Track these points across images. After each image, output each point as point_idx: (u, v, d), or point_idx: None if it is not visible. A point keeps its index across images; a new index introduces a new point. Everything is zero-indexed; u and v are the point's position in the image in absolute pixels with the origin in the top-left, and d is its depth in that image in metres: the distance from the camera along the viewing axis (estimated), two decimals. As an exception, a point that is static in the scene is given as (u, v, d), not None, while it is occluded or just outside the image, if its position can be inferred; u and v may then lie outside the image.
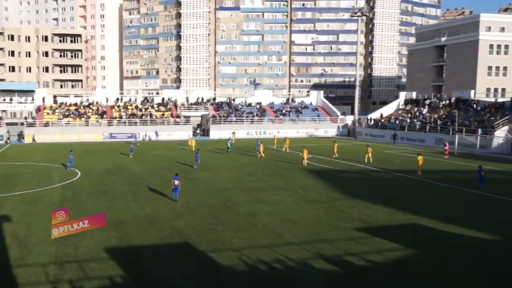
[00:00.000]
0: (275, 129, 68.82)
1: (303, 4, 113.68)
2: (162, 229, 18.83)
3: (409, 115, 65.79)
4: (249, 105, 76.11)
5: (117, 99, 73.15)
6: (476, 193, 26.89)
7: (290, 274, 14.29)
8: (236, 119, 69.84)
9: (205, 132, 68.57)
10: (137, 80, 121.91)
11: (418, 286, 13.58)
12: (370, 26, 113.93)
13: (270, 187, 28.42)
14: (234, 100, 77.92)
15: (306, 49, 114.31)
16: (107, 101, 71.24)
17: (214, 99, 77.94)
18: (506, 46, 75.88)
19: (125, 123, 65.52)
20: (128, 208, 22.52)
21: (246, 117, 70.72)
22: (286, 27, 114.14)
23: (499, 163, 40.41)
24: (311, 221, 20.31)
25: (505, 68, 76.27)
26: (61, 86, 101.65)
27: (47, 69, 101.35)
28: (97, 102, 70.91)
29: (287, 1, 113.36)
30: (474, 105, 60.73)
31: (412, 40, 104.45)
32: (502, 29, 77.01)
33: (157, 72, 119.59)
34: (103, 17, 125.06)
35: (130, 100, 74.69)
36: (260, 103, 76.52)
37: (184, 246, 16.88)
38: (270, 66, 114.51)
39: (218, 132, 65.29)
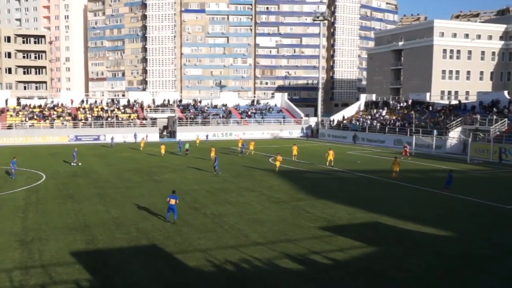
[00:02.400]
0: (241, 131, 68.94)
1: (267, 8, 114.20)
2: (129, 232, 18.55)
3: (370, 117, 66.90)
4: (215, 107, 75.88)
5: (83, 101, 71.63)
6: (432, 192, 27.61)
7: (257, 274, 14.31)
8: (202, 120, 69.49)
9: (172, 134, 67.92)
10: (102, 81, 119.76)
11: (379, 282, 13.78)
12: (332, 30, 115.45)
13: (236, 188, 28.41)
14: (200, 102, 77.48)
15: (271, 51, 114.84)
16: (72, 103, 69.68)
17: (181, 101, 77.29)
18: (458, 51, 78.19)
19: (91, 125, 64.20)
20: (94, 211, 22.08)
21: (212, 118, 70.48)
22: (251, 30, 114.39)
23: (453, 163, 41.57)
24: (277, 221, 20.40)
25: (457, 72, 78.59)
26: (25, 88, 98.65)
27: (10, 71, 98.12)
28: (62, 104, 69.24)
29: (251, 4, 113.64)
30: (430, 107, 62.26)
31: (371, 44, 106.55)
32: (454, 35, 79.36)
33: (123, 74, 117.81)
34: (68, 18, 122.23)
35: (96, 102, 73.26)
36: (226, 105, 76.40)
37: (151, 248, 16.67)
38: (235, 68, 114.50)
39: (185, 134, 64.77)
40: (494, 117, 49.67)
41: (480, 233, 19.09)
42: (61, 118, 64.88)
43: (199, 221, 20.28)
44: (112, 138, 56.19)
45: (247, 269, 14.66)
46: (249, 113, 74.55)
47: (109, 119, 65.93)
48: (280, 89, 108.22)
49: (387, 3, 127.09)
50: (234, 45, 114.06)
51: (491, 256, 16.23)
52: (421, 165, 39.77)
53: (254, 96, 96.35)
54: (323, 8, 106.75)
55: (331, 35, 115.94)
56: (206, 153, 46.30)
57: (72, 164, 38.19)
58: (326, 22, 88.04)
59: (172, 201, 19.80)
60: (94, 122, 64.72)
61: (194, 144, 53.44)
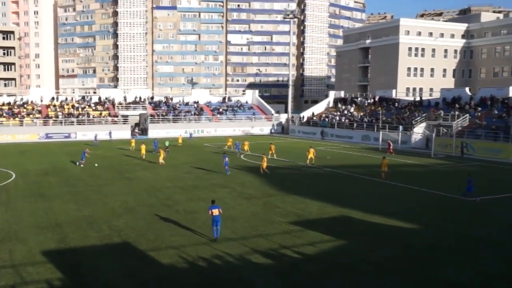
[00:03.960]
0: (213, 128, 68.62)
1: (238, 5, 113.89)
2: (101, 230, 18.29)
3: (338, 113, 67.54)
4: (187, 104, 75.27)
5: (53, 98, 70.05)
6: (399, 186, 28.07)
7: (229, 270, 14.34)
8: (174, 118, 68.91)
9: (144, 131, 67.10)
10: (73, 79, 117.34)
11: (349, 275, 13.97)
12: (302, 28, 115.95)
13: (209, 184, 28.31)
14: (172, 99, 76.76)
15: (242, 49, 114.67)
16: (41, 100, 68.08)
17: (152, 98, 76.42)
18: (423, 49, 79.66)
19: (62, 122, 62.85)
20: (66, 209, 21.66)
21: (184, 116, 69.94)
22: (222, 27, 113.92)
23: (417, 157, 42.45)
24: (249, 217, 20.45)
25: (422, 69, 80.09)
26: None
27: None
28: (31, 102, 67.56)
29: (222, 2, 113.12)
30: (396, 104, 63.28)
31: (340, 42, 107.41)
32: (419, 33, 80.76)
33: (94, 71, 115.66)
34: (37, 13, 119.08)
35: (66, 99, 71.75)
36: (198, 102, 75.92)
37: (124, 246, 16.49)
38: (207, 65, 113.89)
39: (157, 131, 64.10)
40: (456, 113, 50.82)
41: (445, 225, 19.56)
42: (31, 116, 63.34)
43: (172, 218, 20.14)
44: (95, 136, 54.82)
45: (219, 265, 14.67)
46: (221, 110, 74.29)
47: (80, 116, 64.68)
48: (251, 86, 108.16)
49: (355, 2, 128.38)
50: (205, 42, 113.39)
51: (456, 247, 16.65)
52: (388, 160, 40.33)
53: (226, 93, 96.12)
54: (293, 6, 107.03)
55: (301, 33, 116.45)
56: (187, 152, 46.08)
57: (79, 164, 36.30)
58: (296, 20, 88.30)
59: (215, 212, 17.06)
60: (64, 120, 63.37)
61: (176, 143, 51.53)
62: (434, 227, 19.16)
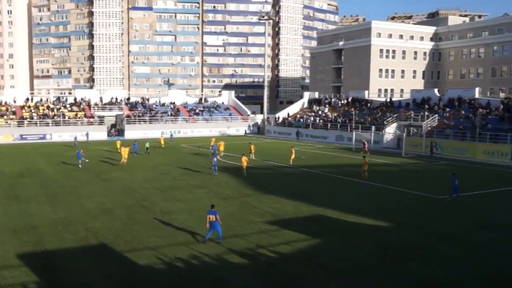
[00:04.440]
0: (189, 129, 68.25)
1: (214, 7, 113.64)
2: (77, 232, 17.98)
3: (313, 114, 67.99)
4: (163, 105, 74.72)
5: (27, 99, 68.58)
6: (372, 185, 28.41)
7: (207, 270, 14.27)
8: (151, 118, 68.28)
9: (120, 132, 66.30)
10: (48, 79, 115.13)
11: (324, 273, 14.04)
12: (277, 29, 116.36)
13: (185, 185, 28.15)
14: (148, 100, 76.09)
15: (218, 50, 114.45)
16: (15, 101, 66.56)
17: (129, 99, 75.62)
18: (394, 51, 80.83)
19: (36, 124, 61.57)
20: (41, 211, 21.23)
21: (161, 116, 69.37)
22: (198, 28, 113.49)
23: (389, 157, 43.06)
24: (225, 217, 20.30)
25: (393, 71, 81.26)
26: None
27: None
28: (5, 102, 66.00)
29: (198, 3, 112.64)
30: (368, 104, 64.09)
31: (314, 43, 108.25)
32: (390, 36, 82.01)
33: (70, 71, 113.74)
34: (11, 13, 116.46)
35: (41, 100, 70.34)
36: (174, 102, 75.40)
37: (101, 248, 16.24)
38: (183, 66, 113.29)
39: (133, 132, 63.37)
40: (426, 113, 51.76)
41: (416, 222, 19.88)
42: (5, 117, 61.87)
43: (149, 219, 19.96)
44: (75, 137, 53.71)
45: (197, 266, 14.59)
46: (197, 111, 73.96)
47: (55, 117, 63.49)
48: (227, 87, 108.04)
49: (328, 4, 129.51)
50: (181, 43, 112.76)
51: (428, 245, 16.91)
52: (361, 160, 40.68)
53: (202, 94, 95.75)
54: (268, 8, 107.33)
55: (276, 34, 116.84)
56: (164, 152, 45.66)
57: (79, 166, 35.49)
58: (271, 21, 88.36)
59: (212, 217, 16.63)
60: (39, 121, 62.11)
61: (159, 144, 50.56)
62: (407, 225, 19.44)
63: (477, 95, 54.17)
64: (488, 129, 44.05)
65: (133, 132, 63.38)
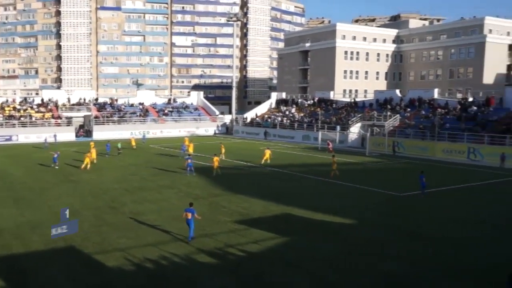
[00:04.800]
0: (158, 129, 67.48)
1: (183, 7, 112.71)
2: (45, 235, 17.47)
3: (280, 114, 68.35)
4: (132, 105, 73.59)
5: (-8, 100, 66.43)
6: (338, 183, 28.81)
7: (176, 270, 14.22)
8: (119, 119, 67.20)
9: (88, 133, 64.99)
10: (14, 80, 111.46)
11: (292, 271, 14.17)
12: (245, 31, 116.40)
13: (155, 186, 27.89)
14: (117, 100, 74.78)
15: (186, 50, 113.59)
16: (-20, 102, 64.42)
17: (97, 99, 74.18)
18: (357, 53, 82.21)
19: (2, 125, 59.62)
20: (8, 215, 20.62)
21: (130, 117, 68.36)
22: (167, 29, 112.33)
23: (354, 156, 43.76)
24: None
25: (357, 72, 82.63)
26: None
27: None
28: (-31, 103, 63.76)
29: (167, 4, 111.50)
30: (334, 105, 64.88)
31: (281, 45, 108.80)
32: (354, 38, 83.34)
33: (36, 72, 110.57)
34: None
35: (7, 101, 68.20)
36: (143, 103, 74.40)
37: (69, 250, 15.90)
38: (152, 66, 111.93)
39: (102, 133, 62.19)
40: (388, 113, 52.76)
41: (380, 219, 20.32)
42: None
43: (118, 220, 19.71)
44: (45, 139, 51.98)
45: (166, 266, 14.51)
46: (166, 111, 73.22)
47: (22, 118, 61.70)
48: (196, 87, 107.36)
49: (295, 7, 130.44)
50: (150, 43, 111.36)
51: (391, 240, 17.32)
52: (327, 159, 41.19)
53: (171, 95, 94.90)
54: (236, 9, 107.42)
55: (244, 36, 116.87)
56: (134, 153, 44.95)
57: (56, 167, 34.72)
58: (239, 23, 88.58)
59: (188, 215, 16.88)
60: (5, 122, 60.22)
61: (129, 145, 48.78)
62: (372, 222, 19.84)
63: (436, 96, 55.59)
64: (446, 129, 45.28)
65: (101, 133, 62.19)
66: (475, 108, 49.04)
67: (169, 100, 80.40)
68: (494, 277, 13.57)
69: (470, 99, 52.84)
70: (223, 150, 40.73)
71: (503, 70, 74.90)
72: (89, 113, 67.28)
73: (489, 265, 14.68)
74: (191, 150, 42.11)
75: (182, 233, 17.78)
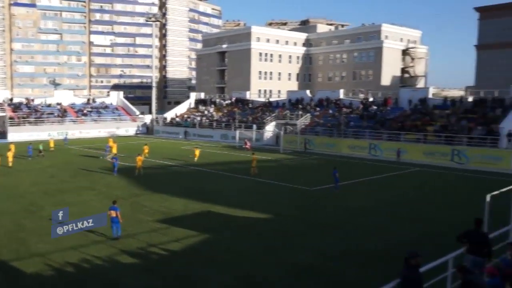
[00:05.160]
0: (77, 130, 64.22)
1: (101, 6, 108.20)
2: (-43, 244, 16.25)
3: (199, 114, 68.01)
4: (50, 105, 69.34)
5: None
6: (256, 180, 29.39)
7: (98, 273, 13.74)
8: (36, 120, 63.08)
9: (3, 135, 60.22)
10: None
11: (212, 266, 14.22)
12: (164, 31, 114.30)
13: (74, 187, 26.63)
14: (33, 100, 70.07)
15: (105, 50, 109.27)
16: None
17: (11, 99, 69.01)
18: (271, 55, 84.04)
19: None
20: None
21: (47, 118, 64.40)
22: (85, 27, 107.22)
23: (269, 153, 44.75)
24: (116, 218, 19.81)
25: (271, 73, 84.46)
26: None
27: None
28: None
29: (85, 2, 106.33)
30: (250, 104, 65.78)
31: (199, 46, 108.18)
32: (268, 40, 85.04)
33: None
34: None
35: None
36: (61, 103, 70.34)
37: (-16, 259, 14.86)
38: (70, 66, 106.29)
39: (18, 134, 57.93)
40: (300, 112, 54.59)
41: (294, 213, 20.99)
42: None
43: (37, 225, 18.62)
44: None
45: (87, 269, 13.98)
46: (85, 111, 69.87)
47: None
48: (115, 87, 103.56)
49: (212, 9, 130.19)
50: (68, 42, 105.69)
51: (302, 232, 17.95)
52: (245, 157, 41.78)
53: (90, 95, 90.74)
54: (155, 9, 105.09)
55: (163, 36, 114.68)
56: (52, 155, 42.40)
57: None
58: (158, 23, 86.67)
59: (113, 213, 16.77)
60: None
61: (48, 147, 45.24)
62: (285, 216, 20.42)
63: (341, 96, 58.24)
64: (351, 127, 47.71)
65: (17, 134, 57.95)
66: (375, 107, 52.13)
67: (88, 100, 76.81)
68: (393, 260, 14.63)
69: (371, 99, 55.89)
70: (146, 150, 39.86)
71: (398, 73, 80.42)
72: (3, 114, 62.39)
73: (388, 249, 15.74)
74: (114, 151, 40.82)
75: (104, 234, 17.25)
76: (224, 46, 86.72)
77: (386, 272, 11.82)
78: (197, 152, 38.58)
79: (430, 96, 49.47)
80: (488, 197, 11.24)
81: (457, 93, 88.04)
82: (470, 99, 47.66)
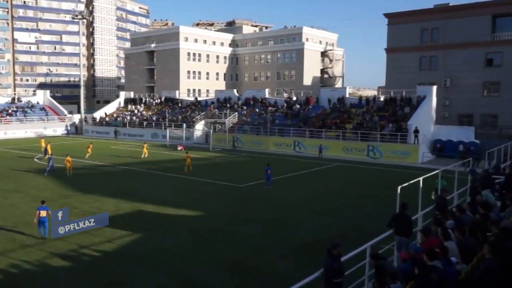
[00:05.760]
0: (2, 130, 59.62)
1: (25, 2, 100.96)
2: None
3: (129, 113, 66.00)
4: (-31, 104, 63.92)
5: None
6: (187, 178, 29.21)
7: (28, 277, 13.12)
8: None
9: None
10: None
11: (144, 264, 14.05)
12: (91, 29, 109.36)
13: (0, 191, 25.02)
14: (-51, 99, 64.18)
15: (30, 47, 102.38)
16: None
17: None
18: (199, 55, 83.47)
19: None
20: None
21: (-34, 117, 59.24)
22: (8, 24, 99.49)
23: (199, 151, 44.48)
24: (46, 221, 18.89)
25: (199, 73, 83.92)
26: None
27: None
28: None
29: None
30: (179, 103, 64.91)
31: (128, 44, 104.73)
32: (196, 40, 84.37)
33: None
34: None
35: None
36: (-18, 102, 65.10)
37: None
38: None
39: None
40: (228, 111, 54.83)
41: (225, 209, 21.15)
42: None
43: (-41, 232, 17.34)
44: None
45: (16, 274, 13.28)
46: (10, 111, 65.08)
47: None
48: (42, 86, 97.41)
49: (140, 8, 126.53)
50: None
51: (232, 227, 18.16)
52: (175, 155, 41.37)
53: (15, 94, 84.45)
54: (81, 7, 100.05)
55: (90, 34, 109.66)
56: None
57: None
58: (85, 21, 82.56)
59: (43, 213, 16.30)
60: None
61: None
62: (216, 212, 20.55)
63: (267, 95, 59.17)
64: (277, 125, 48.67)
65: None
66: (298, 106, 53.60)
67: (13, 99, 71.53)
68: (318, 251, 15.41)
69: (294, 98, 57.20)
70: (90, 150, 38.74)
71: (318, 74, 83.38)
72: None
73: (313, 241, 16.43)
74: (49, 151, 38.64)
75: (32, 238, 16.44)
76: (153, 45, 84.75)
77: (311, 263, 12.34)
78: (145, 147, 39.26)
79: (347, 95, 51.70)
80: (398, 189, 12.08)
81: (371, 92, 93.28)
82: (382, 98, 50.00)
